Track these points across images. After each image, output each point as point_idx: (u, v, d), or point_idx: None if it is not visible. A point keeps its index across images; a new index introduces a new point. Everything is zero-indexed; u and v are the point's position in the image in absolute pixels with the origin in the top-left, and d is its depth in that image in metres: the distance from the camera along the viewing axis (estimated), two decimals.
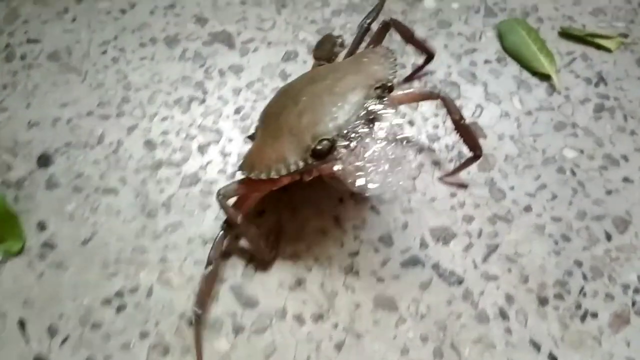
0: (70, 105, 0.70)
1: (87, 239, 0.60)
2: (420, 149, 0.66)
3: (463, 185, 0.63)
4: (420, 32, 0.71)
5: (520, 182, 0.63)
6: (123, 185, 0.63)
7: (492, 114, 0.69)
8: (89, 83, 0.72)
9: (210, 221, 0.61)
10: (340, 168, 0.46)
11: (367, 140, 0.46)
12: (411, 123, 0.68)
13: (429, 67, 0.70)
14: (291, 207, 0.62)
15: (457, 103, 0.66)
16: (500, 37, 0.75)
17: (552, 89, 0.71)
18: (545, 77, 0.71)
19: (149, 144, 0.67)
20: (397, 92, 0.55)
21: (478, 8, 0.79)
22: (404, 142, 0.47)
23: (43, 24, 0.78)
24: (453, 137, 0.64)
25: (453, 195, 0.63)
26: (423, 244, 0.59)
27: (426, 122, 0.68)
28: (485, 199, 0.62)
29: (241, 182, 0.53)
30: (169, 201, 0.62)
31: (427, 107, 0.69)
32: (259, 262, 0.58)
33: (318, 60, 0.61)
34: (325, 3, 0.80)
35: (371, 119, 0.47)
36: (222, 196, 0.52)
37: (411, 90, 0.58)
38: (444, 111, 0.66)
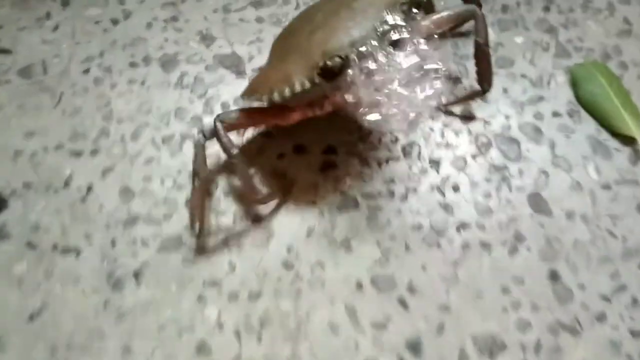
0: (37, 135, 0.57)
1: (34, 312, 0.47)
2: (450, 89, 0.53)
3: (469, 117, 0.53)
4: (474, 69, 0.56)
5: (592, 280, 0.49)
6: (88, 245, 0.51)
7: (559, 183, 0.54)
8: (63, 108, 0.59)
9: (190, 303, 0.48)
10: (352, 95, 0.40)
11: (386, 63, 0.39)
12: (455, 188, 0.54)
13: (482, 113, 0.56)
14: None
15: (516, 166, 0.53)
16: (574, 84, 0.60)
17: (638, 156, 0.56)
18: (629, 140, 0.57)
19: (126, 193, 0.54)
20: (426, 17, 0.46)
21: (547, 45, 0.64)
22: (430, 74, 0.39)
23: (19, 30, 0.66)
24: (509, 212, 0.50)
25: (505, 291, 0.48)
26: (462, 356, 0.45)
27: (475, 188, 0.54)
28: (546, 299, 0.48)
29: (243, 110, 0.48)
30: (142, 270, 0.49)
31: (477, 168, 0.55)
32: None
33: None
34: None
35: (393, 40, 0.40)
36: (220, 121, 0.46)
37: (441, 13, 0.47)
38: (497, 176, 0.52)
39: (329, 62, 0.41)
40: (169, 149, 0.56)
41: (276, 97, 0.43)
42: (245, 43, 0.64)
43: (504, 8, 0.66)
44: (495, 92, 0.59)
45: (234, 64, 0.63)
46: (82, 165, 0.55)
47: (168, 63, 0.63)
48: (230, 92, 0.60)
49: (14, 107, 0.59)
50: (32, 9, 0.68)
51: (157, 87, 0.61)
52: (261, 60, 0.62)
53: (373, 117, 0.40)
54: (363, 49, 0.40)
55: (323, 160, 0.55)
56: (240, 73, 0.62)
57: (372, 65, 0.39)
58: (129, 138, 0.57)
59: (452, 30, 0.59)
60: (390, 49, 0.40)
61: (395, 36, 0.40)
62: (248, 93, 0.47)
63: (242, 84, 0.60)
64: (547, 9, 0.66)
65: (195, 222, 0.49)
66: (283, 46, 0.47)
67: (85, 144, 0.57)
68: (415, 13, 0.42)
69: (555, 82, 0.61)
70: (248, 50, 0.64)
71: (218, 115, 0.47)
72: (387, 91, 0.39)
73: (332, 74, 0.41)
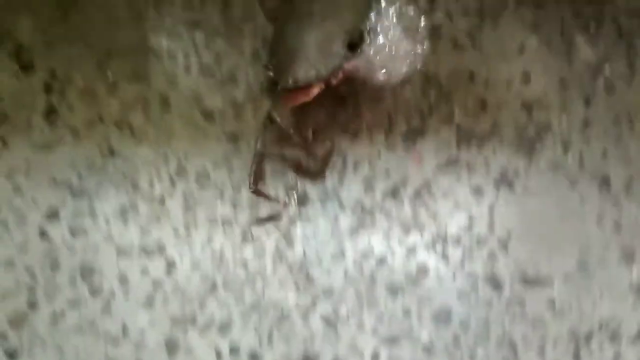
0: None
1: None
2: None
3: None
4: None
5: None
6: None
7: None
8: None
9: None
10: (364, 62, 0.49)
11: (386, 33, 0.49)
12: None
13: None
14: None
15: None
16: None
17: None
18: None
19: None
20: None
21: None
22: (418, 30, 0.50)
23: None
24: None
25: None
26: None
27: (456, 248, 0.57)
28: None
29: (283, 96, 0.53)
30: None
31: (457, 220, 0.58)
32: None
33: None
34: None
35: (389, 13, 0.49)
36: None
37: None
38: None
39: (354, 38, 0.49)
40: None
41: (312, 76, 0.50)
42: None
43: None
44: None
45: None
46: None
47: None
48: None
49: None
50: None
51: None
52: None
53: (381, 75, 0.50)
54: (369, 25, 0.49)
55: None
56: None
57: (375, 35, 0.49)
58: None
59: None
60: (387, 19, 0.49)
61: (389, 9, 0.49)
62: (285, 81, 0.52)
63: None
64: None
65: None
66: (296, 34, 0.52)
67: None
68: None
69: None
70: None
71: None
72: (388, 52, 0.49)
73: (355, 46, 0.49)
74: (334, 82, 0.51)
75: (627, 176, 0.60)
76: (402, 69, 0.50)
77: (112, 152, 0.57)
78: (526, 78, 0.61)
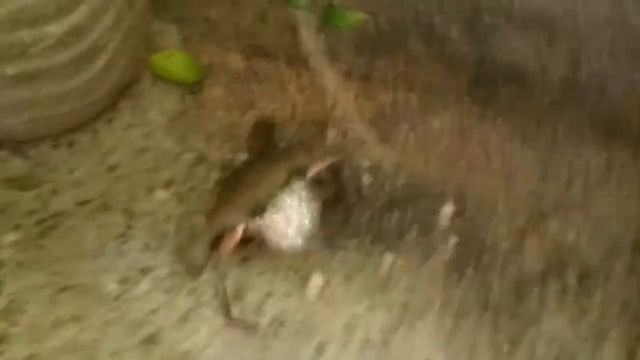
0: None
1: None
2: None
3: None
4: None
5: None
6: None
7: None
8: None
9: None
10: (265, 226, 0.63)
11: (287, 207, 0.63)
12: None
13: None
14: None
15: None
16: None
17: None
18: None
19: None
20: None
21: None
22: (311, 201, 0.65)
23: None
24: None
25: None
26: None
27: None
28: None
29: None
30: None
31: None
32: None
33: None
34: None
35: (291, 193, 0.64)
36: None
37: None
38: None
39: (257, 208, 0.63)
40: None
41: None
42: None
43: None
44: None
45: None
46: None
47: None
48: None
49: None
50: None
51: None
52: None
53: (279, 240, 0.63)
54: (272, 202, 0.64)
55: None
56: None
57: (278, 209, 0.63)
58: None
59: None
60: (289, 197, 0.64)
61: (291, 190, 0.64)
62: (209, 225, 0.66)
63: None
64: None
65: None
66: (225, 195, 0.68)
67: None
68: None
69: None
70: None
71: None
72: (287, 221, 0.63)
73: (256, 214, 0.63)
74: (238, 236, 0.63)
75: None
76: (291, 239, 0.63)
77: None
78: None
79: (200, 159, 0.73)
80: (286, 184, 0.64)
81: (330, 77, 0.81)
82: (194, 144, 0.74)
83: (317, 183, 0.69)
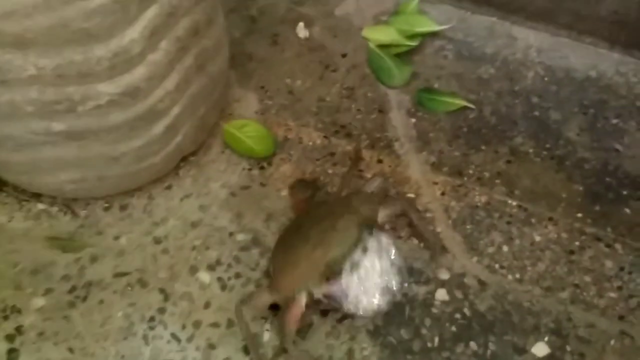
0: None
1: None
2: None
3: None
4: None
5: None
6: None
7: None
8: None
9: None
10: (340, 290, 0.55)
11: (362, 267, 0.55)
12: None
13: None
14: None
15: None
16: None
17: None
18: None
19: None
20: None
21: None
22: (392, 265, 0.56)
23: None
24: None
25: None
26: None
27: None
28: None
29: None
30: None
31: None
32: None
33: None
34: None
35: (365, 249, 0.56)
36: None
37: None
38: None
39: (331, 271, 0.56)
40: None
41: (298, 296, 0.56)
42: None
43: None
44: None
45: None
46: None
47: None
48: None
49: None
50: None
51: None
52: None
53: (354, 306, 0.55)
54: (348, 260, 0.56)
55: None
56: None
57: (354, 269, 0.55)
58: None
59: None
60: (365, 255, 0.56)
61: (365, 246, 0.57)
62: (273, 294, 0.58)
63: None
64: None
65: None
66: (286, 258, 0.59)
67: None
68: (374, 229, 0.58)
69: None
70: None
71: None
72: (364, 284, 0.55)
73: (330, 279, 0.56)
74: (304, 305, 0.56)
75: None
76: (374, 302, 0.55)
77: None
78: None
79: (254, 242, 0.65)
80: (359, 239, 0.57)
81: (415, 167, 0.71)
82: (251, 224, 0.67)
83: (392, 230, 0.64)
